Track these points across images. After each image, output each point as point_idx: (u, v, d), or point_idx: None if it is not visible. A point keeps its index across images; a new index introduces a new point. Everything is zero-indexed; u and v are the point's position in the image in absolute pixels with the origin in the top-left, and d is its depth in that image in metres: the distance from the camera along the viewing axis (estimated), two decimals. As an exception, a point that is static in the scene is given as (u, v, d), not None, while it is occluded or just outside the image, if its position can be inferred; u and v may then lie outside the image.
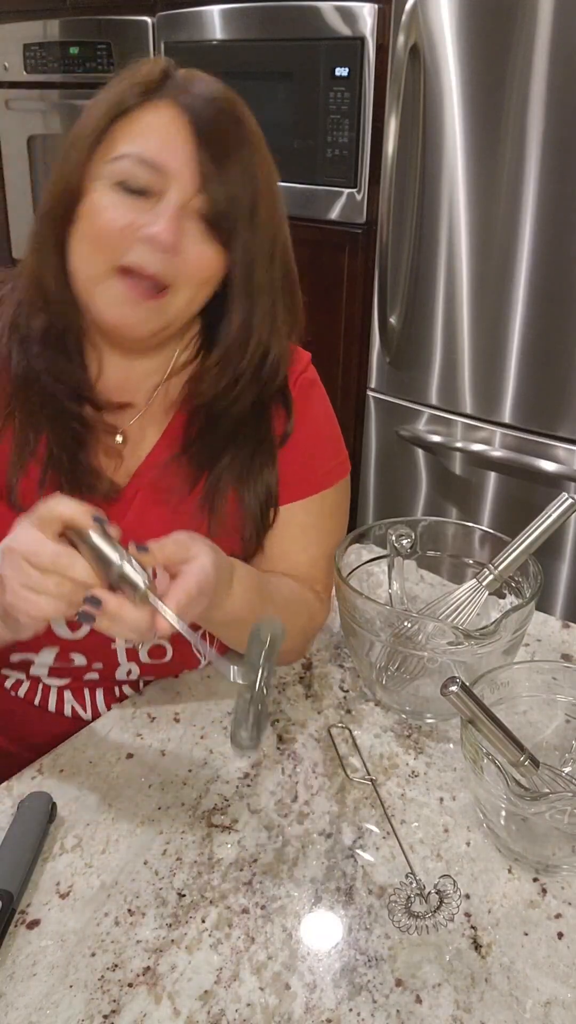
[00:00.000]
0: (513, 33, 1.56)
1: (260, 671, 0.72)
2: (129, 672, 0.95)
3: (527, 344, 1.72)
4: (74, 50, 2.43)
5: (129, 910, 0.70)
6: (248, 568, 0.89)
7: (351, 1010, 0.63)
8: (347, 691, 0.96)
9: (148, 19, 2.22)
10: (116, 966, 0.66)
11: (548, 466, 1.75)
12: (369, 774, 0.84)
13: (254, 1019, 0.63)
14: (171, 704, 0.93)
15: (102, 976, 0.65)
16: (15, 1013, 0.62)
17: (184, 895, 0.71)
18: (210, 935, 0.68)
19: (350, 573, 0.96)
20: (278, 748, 0.87)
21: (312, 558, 0.97)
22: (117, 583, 0.71)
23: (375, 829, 0.78)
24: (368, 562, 1.02)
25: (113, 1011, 0.63)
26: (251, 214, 0.81)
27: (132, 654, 0.94)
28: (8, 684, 0.98)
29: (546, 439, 1.76)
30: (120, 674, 0.96)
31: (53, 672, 0.95)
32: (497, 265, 1.71)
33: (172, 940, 0.68)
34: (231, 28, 2.05)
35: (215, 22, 2.06)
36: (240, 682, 0.73)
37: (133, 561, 0.71)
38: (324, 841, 0.77)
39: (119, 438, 0.91)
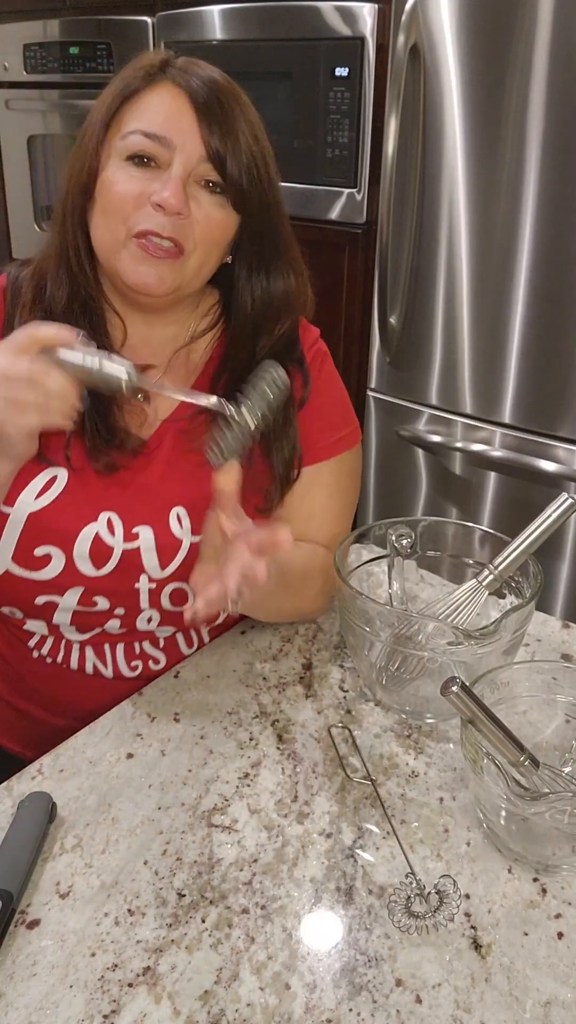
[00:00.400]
0: (513, 33, 1.56)
1: (251, 398, 0.76)
2: (150, 619, 0.98)
3: (527, 344, 1.72)
4: (74, 50, 2.43)
5: (129, 910, 0.70)
6: None
7: (351, 1010, 0.63)
8: (347, 691, 0.96)
9: (148, 19, 2.22)
10: (116, 966, 0.66)
11: (548, 466, 1.75)
12: (369, 774, 0.84)
13: (254, 1019, 0.63)
14: (171, 704, 0.93)
15: (102, 976, 0.65)
16: (15, 1013, 0.63)
17: (184, 895, 0.71)
18: (210, 935, 0.68)
19: (350, 573, 0.96)
20: (278, 748, 0.87)
21: (334, 517, 1.05)
22: (100, 385, 0.76)
23: (375, 829, 0.78)
24: (368, 562, 1.02)
25: (113, 1011, 0.63)
26: (251, 179, 0.88)
27: (154, 599, 0.97)
28: (32, 643, 1.01)
29: (546, 439, 1.76)
30: (141, 623, 0.98)
31: (76, 620, 0.97)
32: (497, 265, 1.71)
33: (172, 940, 0.68)
34: (231, 28, 2.05)
35: (215, 22, 2.06)
36: (226, 411, 0.76)
37: (113, 357, 0.75)
38: (324, 841, 0.77)
39: (140, 396, 0.96)
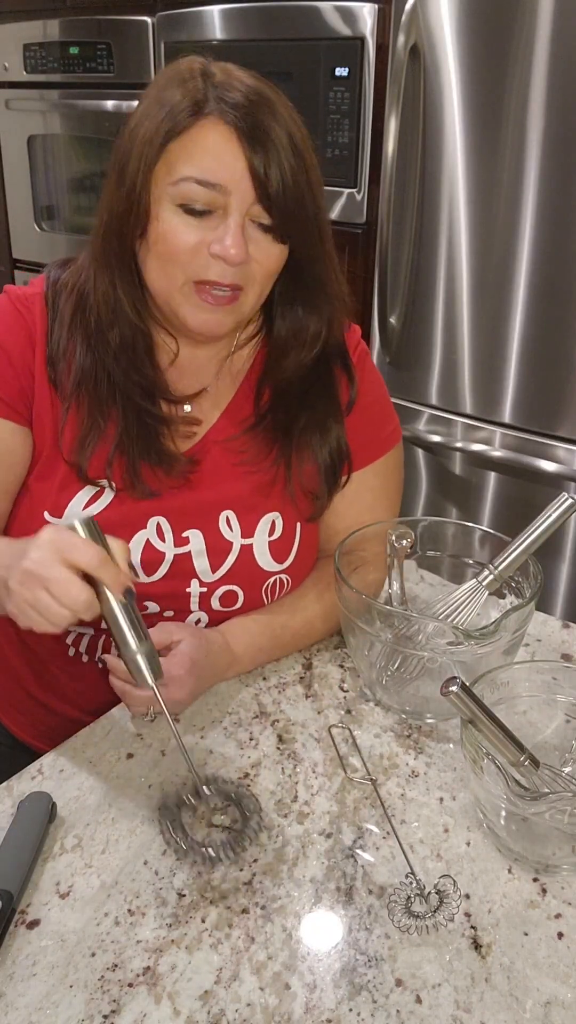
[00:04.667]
0: (513, 33, 1.56)
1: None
2: (198, 621, 0.98)
3: (527, 344, 1.72)
4: (74, 50, 2.42)
5: (129, 910, 0.70)
6: (253, 621, 0.97)
7: (351, 1010, 0.63)
8: (347, 691, 0.96)
9: (148, 19, 2.22)
10: (116, 966, 0.66)
11: (548, 466, 1.75)
12: (369, 774, 0.84)
13: (254, 1019, 0.63)
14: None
15: (102, 976, 0.65)
16: (15, 1013, 0.62)
17: (184, 895, 0.71)
18: (210, 935, 0.68)
19: (351, 573, 0.95)
20: (278, 748, 0.87)
21: (379, 518, 1.04)
22: (124, 659, 0.77)
23: (375, 829, 0.78)
24: (368, 562, 1.02)
25: (113, 1011, 0.63)
26: (302, 207, 0.86)
27: (204, 602, 0.97)
28: (68, 640, 1.00)
29: (546, 439, 1.76)
30: (190, 623, 0.98)
31: None
32: (497, 265, 1.71)
33: (172, 940, 0.68)
34: (231, 28, 2.05)
35: (215, 22, 2.06)
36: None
37: (148, 652, 0.76)
38: (324, 841, 0.77)
39: (188, 407, 0.97)
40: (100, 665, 1.01)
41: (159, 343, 0.95)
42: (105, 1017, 0.62)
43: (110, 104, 2.37)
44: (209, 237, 0.84)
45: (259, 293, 0.90)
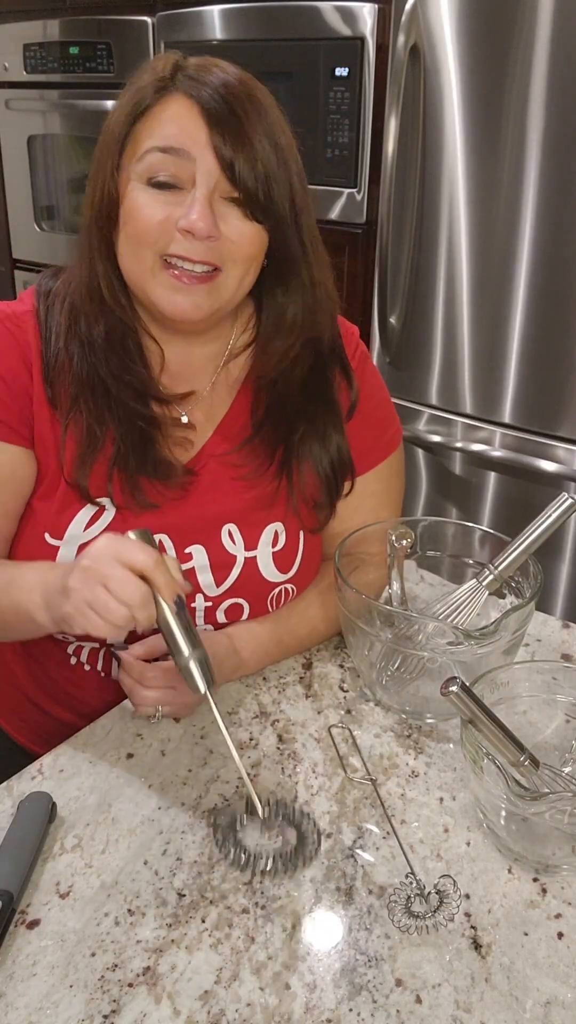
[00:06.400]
0: (513, 33, 1.56)
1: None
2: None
3: (527, 344, 1.72)
4: (74, 50, 2.43)
5: (129, 910, 0.70)
6: (260, 626, 0.97)
7: (351, 1010, 0.63)
8: (347, 691, 0.96)
9: (148, 19, 2.22)
10: (116, 966, 0.66)
11: (548, 466, 1.75)
12: (369, 774, 0.84)
13: (254, 1019, 0.63)
14: (171, 704, 0.93)
15: (102, 976, 0.65)
16: (15, 1013, 0.62)
17: (184, 895, 0.71)
18: (210, 935, 0.68)
19: (351, 573, 0.95)
20: (278, 748, 0.87)
21: (382, 520, 1.02)
22: (177, 665, 0.77)
23: (375, 829, 0.78)
24: (368, 562, 1.02)
25: (113, 1011, 0.63)
26: (267, 190, 0.83)
27: (210, 616, 0.97)
28: (70, 650, 1.00)
29: (546, 439, 1.76)
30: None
31: (127, 638, 0.96)
32: (497, 265, 1.71)
33: (172, 940, 0.68)
34: (231, 28, 2.05)
35: (215, 22, 2.06)
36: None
37: (200, 659, 0.77)
38: (324, 841, 0.77)
39: (184, 418, 0.95)
40: (102, 675, 1.00)
41: (146, 346, 0.93)
42: (105, 1017, 0.62)
43: (110, 104, 2.35)
44: (176, 213, 0.82)
45: (239, 276, 0.86)
